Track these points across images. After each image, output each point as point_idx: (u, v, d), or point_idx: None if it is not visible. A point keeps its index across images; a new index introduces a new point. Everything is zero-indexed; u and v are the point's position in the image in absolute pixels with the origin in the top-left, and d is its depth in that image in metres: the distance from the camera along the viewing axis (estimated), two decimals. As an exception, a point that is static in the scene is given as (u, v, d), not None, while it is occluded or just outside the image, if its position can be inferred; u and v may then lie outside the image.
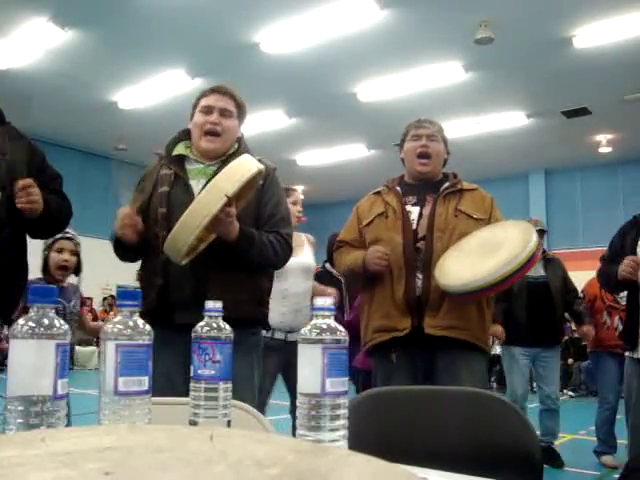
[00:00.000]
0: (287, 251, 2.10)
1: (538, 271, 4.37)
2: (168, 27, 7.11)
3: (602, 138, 10.74)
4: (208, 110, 2.11)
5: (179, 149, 2.14)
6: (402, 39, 7.26)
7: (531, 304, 4.28)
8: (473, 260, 2.14)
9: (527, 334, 4.30)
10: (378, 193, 2.50)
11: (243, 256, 1.99)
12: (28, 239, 2.13)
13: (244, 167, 1.87)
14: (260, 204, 2.09)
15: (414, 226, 2.34)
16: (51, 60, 8.01)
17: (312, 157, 12.20)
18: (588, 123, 9.90)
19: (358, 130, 10.58)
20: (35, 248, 2.66)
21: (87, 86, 8.92)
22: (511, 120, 9.89)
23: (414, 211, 2.37)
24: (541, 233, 4.46)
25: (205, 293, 1.95)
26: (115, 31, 7.29)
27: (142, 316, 0.84)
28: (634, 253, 2.77)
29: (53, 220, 2.06)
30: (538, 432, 4.44)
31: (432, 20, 6.85)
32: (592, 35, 7.01)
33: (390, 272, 2.31)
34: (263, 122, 9.95)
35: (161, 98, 9.13)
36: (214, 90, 2.16)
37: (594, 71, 7.89)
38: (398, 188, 2.47)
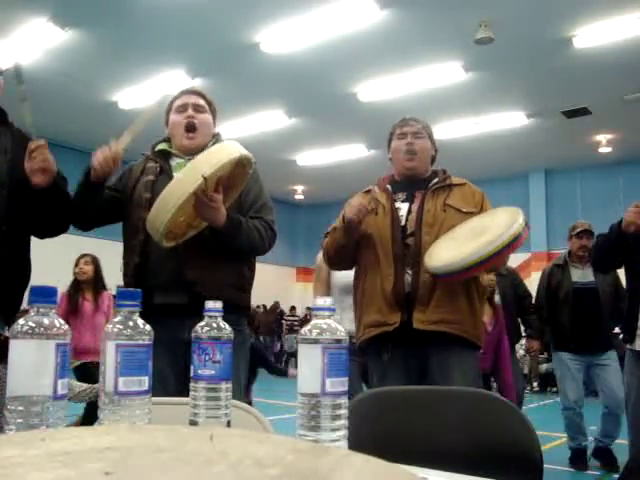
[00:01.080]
0: (272, 237, 2.16)
1: (587, 277, 4.26)
2: (168, 27, 7.11)
3: (602, 138, 10.74)
4: (183, 108, 2.22)
5: (162, 146, 2.26)
6: (402, 39, 7.26)
7: (577, 310, 4.15)
8: (459, 243, 2.17)
9: (573, 341, 4.18)
10: (368, 192, 2.52)
11: (230, 242, 2.03)
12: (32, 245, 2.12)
13: (225, 151, 1.90)
14: (242, 193, 2.15)
15: (403, 222, 2.35)
16: (51, 60, 8.01)
17: (312, 157, 12.20)
18: (588, 123, 9.90)
19: (358, 130, 10.57)
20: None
21: (87, 86, 8.92)
22: (511, 120, 9.89)
23: (403, 207, 2.39)
24: (589, 234, 4.29)
25: (184, 274, 1.98)
26: (115, 31, 7.29)
27: None
28: (638, 242, 2.71)
29: (61, 201, 2.02)
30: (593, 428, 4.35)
31: (432, 20, 6.85)
32: (592, 35, 7.00)
33: (380, 268, 2.32)
34: (263, 122, 9.95)
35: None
36: (183, 92, 2.29)
37: (594, 71, 7.88)
38: (388, 186, 2.49)
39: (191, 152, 2.16)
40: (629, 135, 10.42)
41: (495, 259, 2.10)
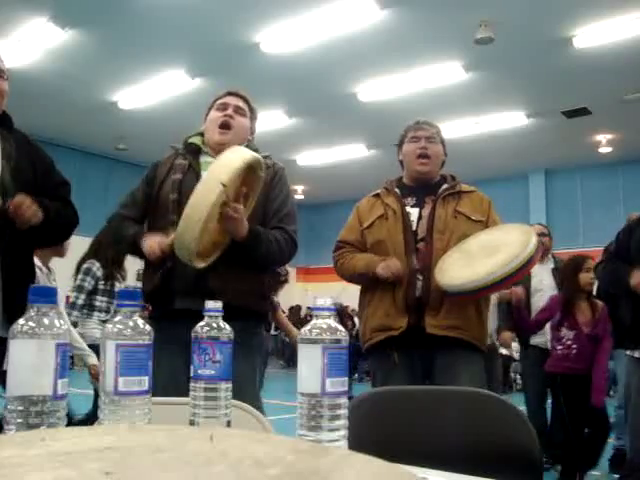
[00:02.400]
0: (292, 248, 2.15)
1: None
2: (168, 27, 7.11)
3: (602, 138, 10.74)
4: (224, 107, 2.22)
5: (194, 139, 2.25)
6: (402, 39, 7.26)
7: (637, 306, 4.04)
8: (473, 261, 2.16)
9: (636, 337, 4.07)
10: (377, 195, 2.51)
11: (251, 254, 2.03)
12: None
13: (237, 154, 1.90)
14: (267, 200, 2.14)
15: (414, 227, 2.35)
16: (51, 60, 8.01)
17: (312, 157, 12.19)
18: (588, 123, 9.89)
19: (358, 130, 10.57)
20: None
21: (87, 86, 8.91)
22: (511, 120, 9.89)
23: (413, 212, 2.39)
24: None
25: (207, 283, 1.98)
26: (115, 31, 7.28)
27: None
28: None
29: (53, 228, 2.05)
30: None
31: (432, 20, 6.85)
32: (592, 35, 7.00)
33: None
34: (263, 122, 9.85)
35: (161, 98, 9.13)
36: (229, 93, 2.28)
37: (594, 71, 7.88)
38: (397, 190, 2.48)
39: (221, 149, 2.12)
40: (629, 135, 10.41)
41: (510, 280, 2.12)
